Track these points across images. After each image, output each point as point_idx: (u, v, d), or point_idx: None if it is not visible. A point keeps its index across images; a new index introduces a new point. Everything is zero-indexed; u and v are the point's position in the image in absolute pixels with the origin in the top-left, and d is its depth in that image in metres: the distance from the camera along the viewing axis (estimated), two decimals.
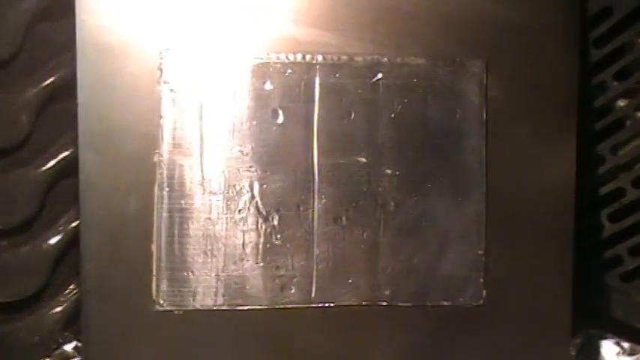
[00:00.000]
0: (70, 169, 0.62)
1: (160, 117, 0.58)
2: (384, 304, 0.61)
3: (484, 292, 0.61)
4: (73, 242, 0.64)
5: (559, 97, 0.61)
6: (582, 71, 0.62)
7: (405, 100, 0.60)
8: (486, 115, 0.60)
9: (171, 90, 0.58)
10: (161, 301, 0.59)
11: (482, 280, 0.61)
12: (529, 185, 0.62)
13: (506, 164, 0.61)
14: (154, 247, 0.59)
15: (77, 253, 0.62)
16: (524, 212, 0.62)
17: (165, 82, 0.58)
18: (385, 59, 0.60)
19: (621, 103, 0.62)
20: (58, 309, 0.65)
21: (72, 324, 0.65)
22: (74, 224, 0.64)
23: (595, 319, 0.65)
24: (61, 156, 0.63)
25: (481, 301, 0.61)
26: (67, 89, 0.61)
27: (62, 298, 0.65)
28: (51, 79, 0.61)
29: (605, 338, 0.64)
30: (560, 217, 0.62)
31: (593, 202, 0.64)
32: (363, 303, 0.61)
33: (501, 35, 0.61)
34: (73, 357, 0.64)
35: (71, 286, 0.66)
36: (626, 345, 0.63)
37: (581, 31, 0.61)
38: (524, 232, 0.62)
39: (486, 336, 0.62)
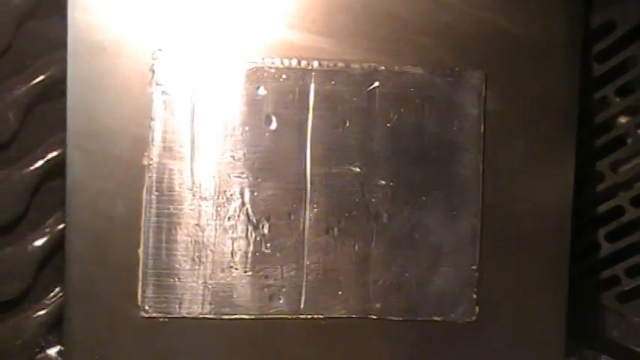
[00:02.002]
0: (58, 169, 0.63)
1: (151, 119, 0.59)
2: (374, 317, 0.62)
3: (477, 308, 0.62)
4: (59, 245, 0.64)
5: (559, 112, 0.62)
6: (584, 86, 0.62)
7: (402, 110, 0.61)
8: (484, 127, 0.61)
9: (163, 92, 0.59)
10: (146, 307, 0.60)
11: (475, 296, 0.62)
12: (526, 201, 0.62)
13: (502, 179, 0.62)
14: (140, 252, 0.59)
15: (63, 256, 0.63)
16: (519, 228, 0.62)
17: (157, 84, 0.59)
18: (382, 67, 0.61)
19: (623, 119, 0.63)
20: (42, 312, 0.66)
21: (56, 328, 0.66)
22: (61, 226, 0.64)
23: (591, 340, 0.66)
24: (49, 156, 0.64)
25: (474, 318, 0.62)
26: (57, 88, 0.61)
27: (47, 302, 0.66)
28: (41, 78, 0.62)
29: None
30: (556, 234, 0.62)
31: (591, 220, 0.65)
32: (353, 316, 0.62)
33: (502, 47, 0.61)
34: None
35: (56, 290, 0.66)
36: None
37: (584, 45, 0.61)
38: (519, 249, 0.63)
39: (478, 353, 0.63)
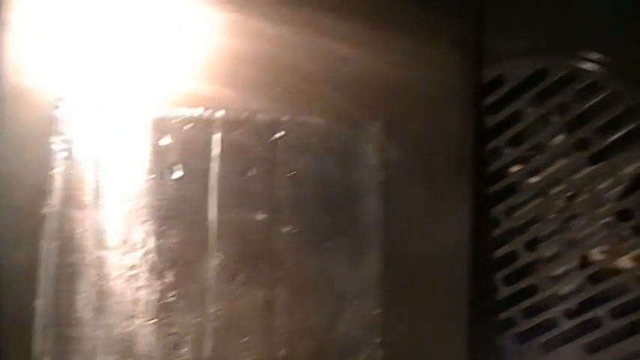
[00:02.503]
0: None
1: (52, 168, 0.59)
2: None
3: (381, 352, 0.64)
4: None
5: (454, 161, 0.65)
6: (478, 136, 0.66)
7: (305, 159, 0.63)
8: (384, 175, 0.63)
9: (65, 141, 0.59)
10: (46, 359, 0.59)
11: (379, 340, 0.64)
12: (425, 246, 0.65)
13: (403, 225, 0.65)
14: (38, 304, 0.59)
15: None
16: (420, 273, 0.65)
17: (58, 133, 0.59)
18: (286, 117, 0.63)
19: (515, 168, 0.66)
20: None
21: None
22: None
23: None
24: None
25: None
26: None
27: None
28: None
29: None
30: (455, 278, 0.65)
31: (489, 264, 0.68)
32: None
33: (400, 99, 0.65)
34: None
35: None
36: None
37: (477, 97, 0.65)
38: (420, 293, 0.65)
39: None
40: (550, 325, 0.68)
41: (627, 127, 0.63)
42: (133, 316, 0.61)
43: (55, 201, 0.60)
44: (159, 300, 0.61)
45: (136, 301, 0.61)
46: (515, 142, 0.67)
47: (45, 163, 0.60)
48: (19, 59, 0.59)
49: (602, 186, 0.65)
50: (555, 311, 0.68)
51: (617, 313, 0.66)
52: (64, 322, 0.60)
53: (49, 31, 0.60)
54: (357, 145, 0.64)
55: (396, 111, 0.65)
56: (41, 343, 0.59)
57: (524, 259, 0.68)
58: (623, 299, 0.65)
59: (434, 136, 0.65)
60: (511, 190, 0.68)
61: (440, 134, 0.66)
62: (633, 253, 0.65)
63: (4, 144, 0.59)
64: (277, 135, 0.63)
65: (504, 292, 0.69)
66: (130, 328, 0.61)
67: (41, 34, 0.60)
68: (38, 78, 0.60)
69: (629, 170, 0.64)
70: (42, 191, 0.60)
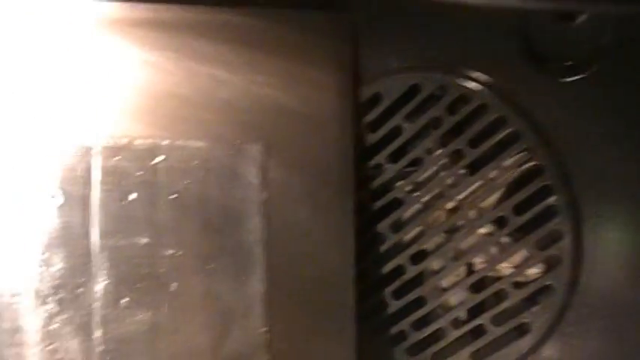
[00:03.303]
0: None
1: None
2: None
3: None
4: None
5: (337, 179, 0.68)
6: (361, 153, 0.68)
7: (186, 182, 0.65)
8: (266, 195, 0.65)
9: None
10: None
11: (267, 357, 0.65)
12: (309, 264, 0.67)
13: (286, 244, 0.67)
14: None
15: None
16: (305, 291, 0.67)
17: None
18: (166, 142, 0.65)
19: (398, 183, 0.69)
20: None
21: None
22: None
23: None
24: None
25: None
26: None
27: None
28: None
29: None
30: (341, 295, 0.67)
31: (377, 280, 0.70)
32: None
33: (280, 120, 0.67)
34: None
35: None
36: None
37: (358, 116, 0.68)
38: (306, 311, 0.67)
39: None
40: (440, 335, 0.70)
41: (497, 136, 0.66)
42: (19, 344, 0.62)
43: None
44: (43, 327, 0.63)
45: (19, 328, 0.62)
46: (396, 157, 0.69)
47: None
48: None
49: (479, 196, 0.67)
50: (443, 321, 0.69)
51: (500, 319, 0.68)
52: None
53: None
54: (238, 167, 0.67)
55: (276, 132, 0.67)
56: None
57: (411, 272, 0.70)
58: (504, 305, 0.67)
59: (315, 155, 0.68)
60: (396, 205, 0.70)
61: (321, 153, 0.68)
62: (511, 260, 0.67)
63: None
64: (157, 159, 0.65)
65: (394, 305, 0.71)
66: (18, 356, 0.62)
67: None
68: None
69: (502, 178, 0.66)
70: None
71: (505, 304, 0.68)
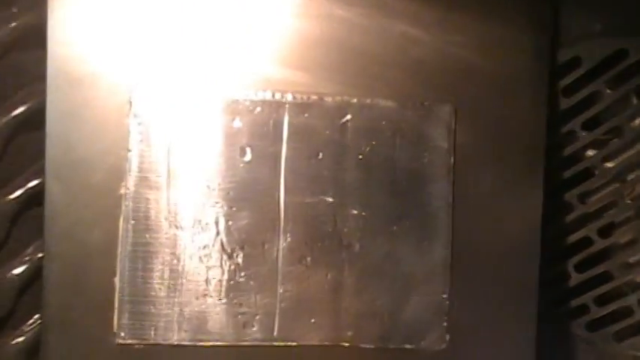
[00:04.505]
0: (37, 198, 0.67)
1: (128, 150, 0.63)
2: (347, 345, 0.65)
3: (447, 336, 0.65)
4: (38, 273, 0.67)
5: (527, 144, 0.66)
6: (552, 119, 0.66)
7: (373, 142, 0.65)
8: (454, 159, 0.64)
9: (140, 124, 0.63)
10: (122, 335, 0.63)
11: (445, 324, 0.66)
12: (495, 231, 0.66)
13: (472, 209, 0.66)
14: (116, 280, 0.63)
15: (42, 284, 0.66)
16: (489, 258, 0.66)
17: (134, 116, 0.63)
18: (354, 100, 0.64)
19: (590, 152, 0.66)
20: (20, 339, 0.69)
21: (33, 355, 0.69)
22: (40, 255, 0.68)
23: None
24: (28, 185, 0.67)
25: (444, 346, 0.66)
26: (37, 119, 0.65)
27: (25, 329, 0.69)
28: (21, 109, 0.65)
29: None
30: (525, 264, 0.66)
31: (560, 251, 0.68)
32: (326, 343, 0.65)
33: (471, 81, 0.66)
34: None
35: (34, 317, 0.69)
36: None
37: (551, 80, 0.65)
38: (488, 278, 0.66)
39: None
40: (623, 313, 0.68)
41: None
42: (204, 295, 0.64)
43: (130, 182, 0.63)
44: (229, 280, 0.65)
45: (207, 281, 0.64)
46: (590, 125, 0.67)
47: (121, 145, 0.63)
48: (96, 45, 0.63)
49: None
50: (630, 299, 0.67)
51: None
52: (139, 298, 0.64)
53: (126, 17, 0.63)
54: (427, 129, 0.66)
55: (467, 94, 0.66)
56: (119, 318, 0.63)
57: (597, 245, 0.68)
58: None
59: (506, 119, 0.66)
60: (586, 174, 0.68)
61: (512, 117, 0.66)
62: None
63: (82, 127, 0.63)
64: (346, 118, 0.65)
65: (576, 279, 0.69)
66: (202, 307, 0.65)
67: (118, 20, 0.63)
68: (114, 63, 0.63)
69: None
70: (119, 172, 0.63)
71: None
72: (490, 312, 0.67)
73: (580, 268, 0.70)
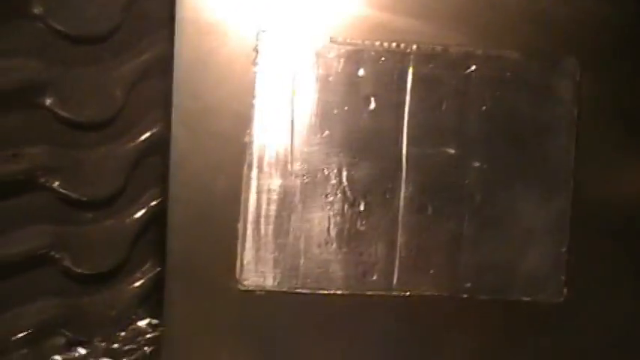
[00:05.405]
0: (156, 146, 0.68)
1: (253, 98, 0.63)
2: (465, 296, 0.66)
3: (565, 289, 0.66)
4: (153, 219, 0.69)
5: None
6: None
7: (497, 94, 0.65)
8: (578, 113, 0.65)
9: (266, 71, 0.63)
10: (244, 281, 0.64)
11: (563, 278, 0.66)
12: (617, 187, 0.67)
13: (595, 163, 0.66)
14: (239, 227, 0.64)
15: (157, 231, 0.68)
16: (610, 213, 0.67)
17: (260, 64, 0.63)
18: (479, 51, 0.65)
19: None
20: (136, 285, 0.70)
21: (147, 301, 0.70)
22: (155, 202, 0.69)
23: None
24: (148, 133, 0.68)
25: (561, 299, 0.66)
26: (160, 66, 0.66)
27: (139, 275, 0.71)
28: (146, 56, 0.67)
29: None
30: None
31: None
32: (444, 294, 0.66)
33: (596, 33, 0.66)
34: (146, 333, 0.69)
35: (148, 264, 0.70)
36: None
37: None
38: (609, 234, 0.67)
39: (564, 334, 0.67)
40: None
41: None
42: (325, 243, 0.65)
43: (255, 130, 0.64)
44: (350, 228, 0.66)
45: (328, 229, 0.65)
46: None
47: (247, 93, 0.64)
48: None
49: None
50: None
51: None
52: (261, 245, 0.65)
53: None
54: (551, 81, 0.66)
55: (592, 46, 0.66)
56: (242, 264, 0.64)
57: None
58: None
59: (633, 72, 0.66)
60: None
61: (637, 71, 0.66)
62: None
63: (209, 75, 0.64)
64: (470, 69, 0.65)
65: None
66: (323, 255, 0.66)
67: None
68: (241, 11, 0.64)
69: None
70: (244, 120, 0.64)
71: None
72: (608, 267, 0.68)
73: None
